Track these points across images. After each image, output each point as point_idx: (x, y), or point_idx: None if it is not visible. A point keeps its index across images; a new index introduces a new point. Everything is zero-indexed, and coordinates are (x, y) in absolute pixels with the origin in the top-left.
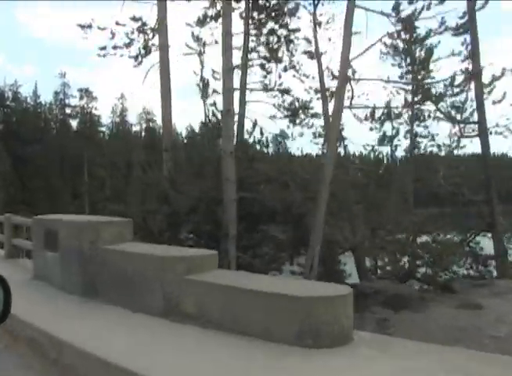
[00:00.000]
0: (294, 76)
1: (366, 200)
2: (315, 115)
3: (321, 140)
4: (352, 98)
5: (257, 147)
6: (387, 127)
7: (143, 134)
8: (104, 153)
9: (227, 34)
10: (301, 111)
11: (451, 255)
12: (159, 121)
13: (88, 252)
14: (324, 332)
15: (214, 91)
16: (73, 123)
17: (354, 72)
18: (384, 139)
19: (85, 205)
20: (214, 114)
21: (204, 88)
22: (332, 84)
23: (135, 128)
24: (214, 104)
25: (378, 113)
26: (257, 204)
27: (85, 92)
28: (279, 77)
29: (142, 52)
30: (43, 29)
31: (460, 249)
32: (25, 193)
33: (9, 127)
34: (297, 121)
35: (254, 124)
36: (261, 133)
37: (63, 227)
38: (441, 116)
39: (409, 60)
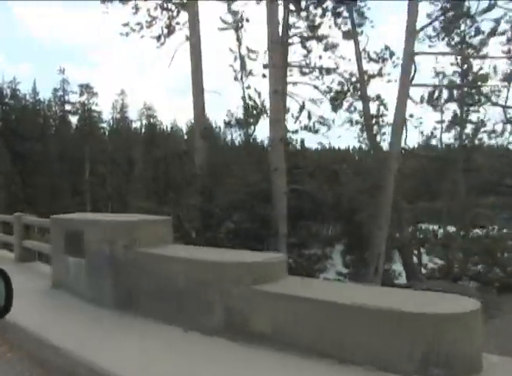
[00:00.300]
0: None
1: (419, 191)
2: (364, 98)
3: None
4: (414, 76)
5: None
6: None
7: (144, 130)
8: (105, 149)
9: (272, 1)
10: (349, 93)
11: (506, 251)
12: (160, 116)
13: (123, 257)
14: (456, 359)
15: (250, 73)
16: (73, 119)
17: (392, 53)
18: (453, 124)
19: (87, 203)
20: (250, 98)
21: (242, 66)
22: (368, 67)
23: (135, 125)
24: (249, 87)
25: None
26: (306, 198)
27: (86, 88)
28: (320, 57)
29: (165, 31)
30: (40, 28)
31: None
32: (26, 191)
33: (8, 124)
34: (342, 106)
35: (302, 108)
36: (309, 117)
37: (89, 228)
38: (490, 100)
39: (457, 39)
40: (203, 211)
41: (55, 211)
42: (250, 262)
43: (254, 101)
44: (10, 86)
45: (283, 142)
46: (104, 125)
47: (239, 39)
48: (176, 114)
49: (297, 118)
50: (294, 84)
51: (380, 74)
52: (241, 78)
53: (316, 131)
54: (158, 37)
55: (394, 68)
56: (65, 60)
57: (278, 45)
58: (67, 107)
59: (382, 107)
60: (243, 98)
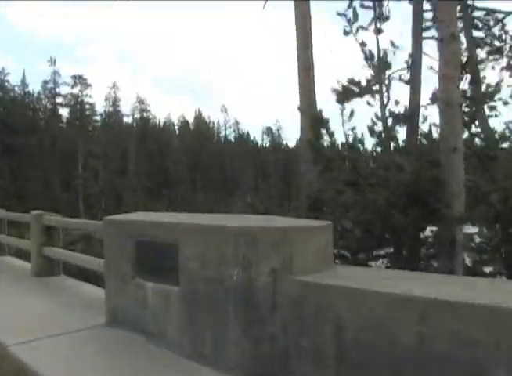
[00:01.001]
0: None
1: None
2: (475, 72)
3: None
4: None
5: None
6: None
7: (137, 124)
8: (98, 142)
9: None
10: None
11: None
12: (153, 111)
13: (268, 290)
14: None
15: (382, 17)
16: (65, 112)
17: (497, 21)
18: None
19: (79, 198)
20: (367, 57)
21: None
22: None
23: (128, 119)
24: (364, 43)
25: None
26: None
27: (79, 79)
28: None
29: None
30: (26, 21)
31: None
32: (16, 184)
33: None
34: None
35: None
36: (476, 79)
37: (193, 238)
38: None
39: None
40: (356, 213)
41: (45, 206)
42: None
43: (385, 54)
44: None
45: (461, 107)
46: (97, 118)
47: None
48: (169, 109)
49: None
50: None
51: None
52: (376, 24)
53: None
54: None
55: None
56: (54, 56)
57: None
58: (58, 100)
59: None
60: (367, 55)
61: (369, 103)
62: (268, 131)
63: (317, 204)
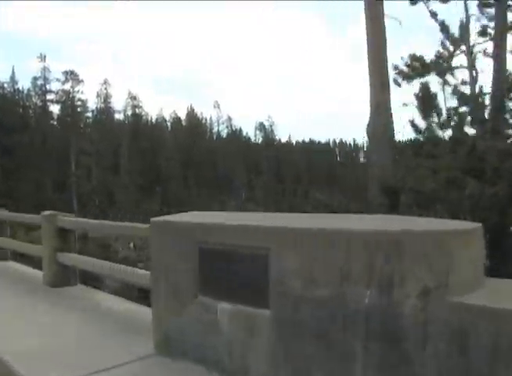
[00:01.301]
0: None
1: None
2: None
3: None
4: None
5: None
6: None
7: (129, 120)
8: (89, 139)
9: None
10: None
11: None
12: (148, 109)
13: (418, 318)
14: None
15: None
16: (56, 108)
17: None
18: None
19: (73, 196)
20: (444, 26)
21: None
22: None
23: (118, 116)
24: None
25: None
26: None
27: (70, 75)
28: None
29: None
30: (24, 23)
31: None
32: (8, 184)
33: None
34: None
35: None
36: None
37: (293, 246)
38: None
39: None
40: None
41: (39, 205)
42: None
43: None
44: None
45: None
46: (89, 115)
47: None
48: (166, 109)
49: None
50: None
51: None
52: None
53: None
54: None
55: None
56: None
57: None
58: (49, 97)
59: None
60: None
61: (445, 82)
62: (261, 126)
63: (396, 197)
